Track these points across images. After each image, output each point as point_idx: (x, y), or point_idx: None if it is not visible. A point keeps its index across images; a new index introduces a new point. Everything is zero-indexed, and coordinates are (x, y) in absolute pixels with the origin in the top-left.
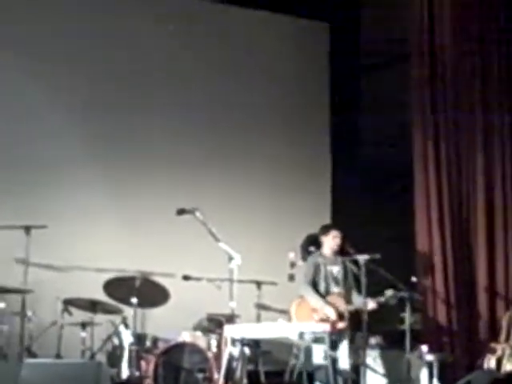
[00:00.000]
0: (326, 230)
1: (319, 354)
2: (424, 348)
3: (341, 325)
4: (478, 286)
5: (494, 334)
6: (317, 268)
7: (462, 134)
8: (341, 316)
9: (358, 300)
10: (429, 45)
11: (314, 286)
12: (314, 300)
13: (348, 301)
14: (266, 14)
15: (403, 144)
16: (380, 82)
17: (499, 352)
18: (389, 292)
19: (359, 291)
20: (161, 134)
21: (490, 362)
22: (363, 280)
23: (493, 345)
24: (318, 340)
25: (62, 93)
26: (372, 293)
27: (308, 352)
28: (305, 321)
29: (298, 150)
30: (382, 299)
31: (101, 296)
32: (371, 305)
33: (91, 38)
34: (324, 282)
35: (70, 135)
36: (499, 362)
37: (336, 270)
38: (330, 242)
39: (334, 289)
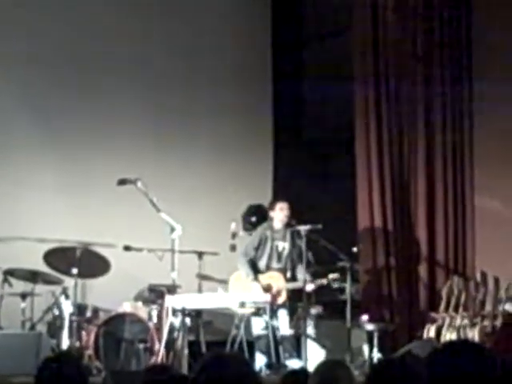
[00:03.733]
0: (271, 204)
1: (258, 325)
2: (364, 317)
3: (279, 300)
4: (418, 255)
5: (433, 304)
6: (263, 241)
7: (403, 107)
8: (277, 292)
9: (302, 276)
10: (371, 15)
11: (255, 258)
12: (244, 273)
13: (287, 278)
14: None
15: (346, 113)
16: (323, 51)
17: (439, 321)
18: (332, 275)
19: (306, 267)
20: (101, 101)
21: (430, 332)
22: (304, 253)
23: (433, 314)
24: (256, 313)
25: None
26: (319, 268)
27: (248, 323)
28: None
29: (239, 118)
30: (324, 282)
31: (41, 266)
32: (310, 286)
33: None
34: (267, 256)
35: (7, 103)
36: (439, 331)
37: (282, 245)
38: (278, 214)
39: (275, 265)
